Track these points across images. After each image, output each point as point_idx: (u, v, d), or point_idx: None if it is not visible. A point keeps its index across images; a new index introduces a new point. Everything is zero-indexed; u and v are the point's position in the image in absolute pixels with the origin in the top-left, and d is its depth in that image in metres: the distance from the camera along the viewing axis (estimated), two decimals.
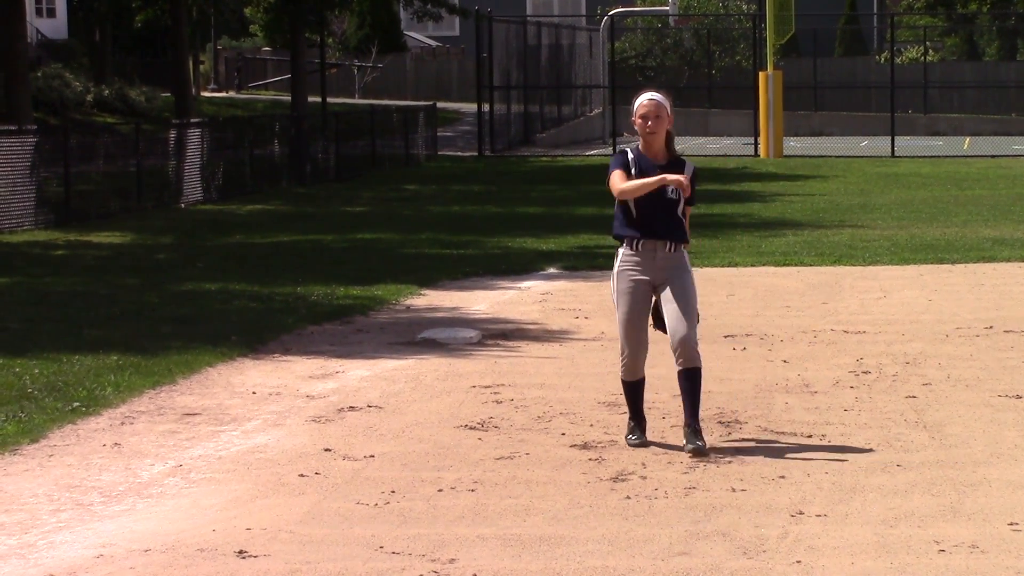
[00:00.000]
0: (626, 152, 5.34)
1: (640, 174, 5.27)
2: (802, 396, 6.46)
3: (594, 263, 11.31)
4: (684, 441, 5.39)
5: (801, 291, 9.87)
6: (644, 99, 5.31)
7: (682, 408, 5.46)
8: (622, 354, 5.48)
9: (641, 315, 5.39)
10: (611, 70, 29.97)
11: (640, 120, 5.29)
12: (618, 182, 5.28)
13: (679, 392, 5.51)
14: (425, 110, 26.38)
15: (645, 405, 5.69)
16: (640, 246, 5.34)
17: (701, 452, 5.32)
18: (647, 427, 5.60)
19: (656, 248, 5.34)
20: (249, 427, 6.00)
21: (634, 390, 5.50)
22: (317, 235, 13.96)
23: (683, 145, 29.87)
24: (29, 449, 5.60)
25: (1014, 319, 8.47)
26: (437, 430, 5.87)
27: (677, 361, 5.35)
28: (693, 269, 5.49)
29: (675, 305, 5.30)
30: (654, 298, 5.39)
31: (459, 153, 27.69)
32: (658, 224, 5.32)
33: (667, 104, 5.31)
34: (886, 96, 28.12)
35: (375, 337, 8.16)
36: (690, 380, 5.34)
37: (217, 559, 4.27)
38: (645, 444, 5.51)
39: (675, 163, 5.35)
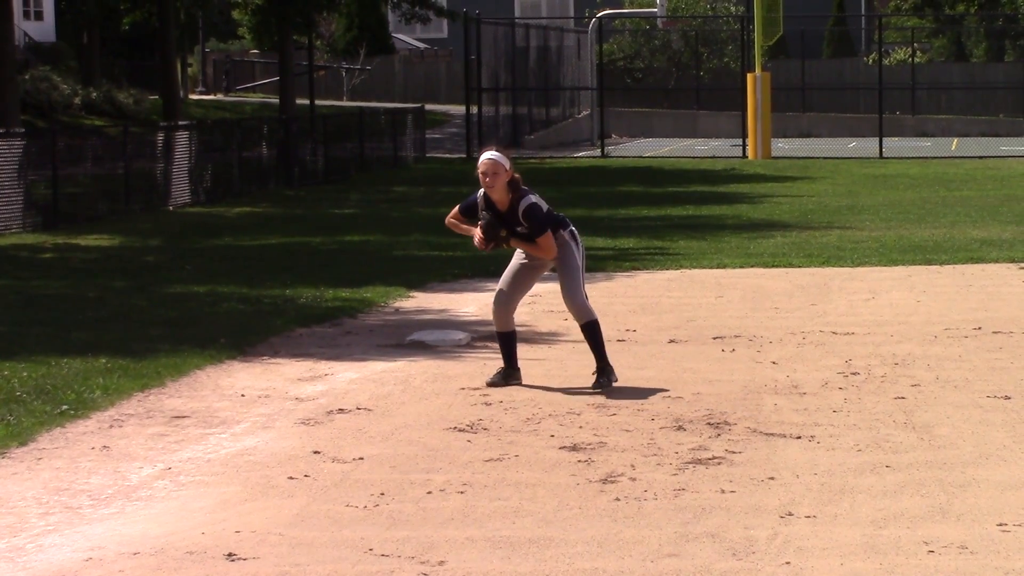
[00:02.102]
0: (475, 195, 6.55)
1: (487, 212, 6.49)
2: (791, 397, 6.46)
3: None
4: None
5: (790, 292, 9.87)
6: (483, 159, 6.46)
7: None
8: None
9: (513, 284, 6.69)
10: (599, 72, 29.96)
11: (481, 175, 6.45)
12: (449, 216, 6.77)
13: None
14: (413, 112, 26.36)
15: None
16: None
17: (598, 385, 6.48)
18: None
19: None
20: (238, 430, 5.98)
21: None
22: (305, 237, 13.92)
23: (671, 147, 30.06)
24: (17, 452, 5.58)
25: (1002, 320, 8.47)
26: (426, 432, 5.86)
27: (577, 320, 6.64)
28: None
29: (560, 276, 6.59)
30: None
31: (447, 155, 27.65)
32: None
33: (505, 162, 6.42)
34: (874, 97, 28.14)
35: (364, 339, 8.14)
36: (587, 332, 6.56)
37: (206, 562, 4.26)
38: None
39: (511, 212, 6.46)
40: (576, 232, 6.59)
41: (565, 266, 6.50)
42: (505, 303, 6.61)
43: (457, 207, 6.70)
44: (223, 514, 4.74)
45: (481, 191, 6.48)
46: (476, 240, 6.51)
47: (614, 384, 6.53)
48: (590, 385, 6.52)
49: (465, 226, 6.64)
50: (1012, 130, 32.81)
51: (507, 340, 6.64)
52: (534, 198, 6.41)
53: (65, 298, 9.80)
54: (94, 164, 16.55)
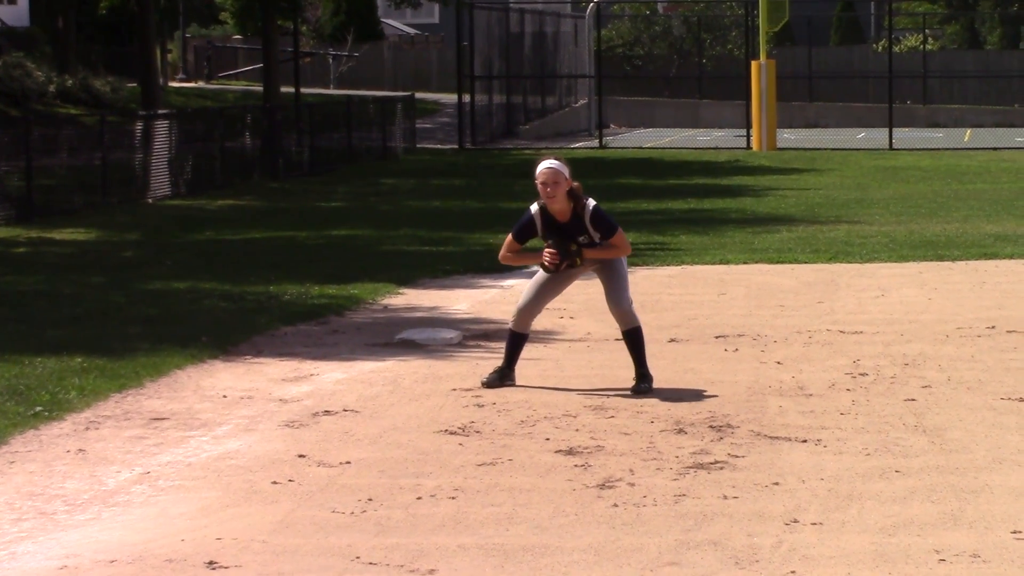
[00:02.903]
0: (530, 212, 6.37)
1: (545, 228, 6.36)
2: (797, 399, 6.36)
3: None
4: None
5: (796, 290, 9.75)
6: (541, 168, 6.32)
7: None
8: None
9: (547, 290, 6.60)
10: (597, 59, 29.72)
11: (540, 186, 6.31)
12: (504, 249, 6.49)
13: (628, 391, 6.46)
14: (403, 101, 26.15)
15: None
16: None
17: (638, 391, 6.35)
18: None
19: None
20: (220, 432, 5.86)
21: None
22: (290, 231, 13.80)
23: (672, 137, 29.93)
24: None
25: (1017, 319, 8.36)
26: (416, 435, 5.75)
27: (620, 326, 6.55)
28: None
29: (605, 283, 6.51)
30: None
31: (439, 146, 27.52)
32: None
33: (564, 170, 6.29)
34: (884, 86, 27.86)
35: (351, 338, 8.02)
36: (630, 339, 6.52)
37: (186, 570, 4.16)
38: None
39: (575, 221, 6.30)
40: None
41: (613, 271, 6.40)
42: (531, 311, 6.51)
43: (509, 236, 6.43)
44: (204, 520, 4.64)
45: (534, 207, 6.31)
46: (547, 261, 6.29)
47: (651, 387, 6.45)
48: (630, 388, 6.41)
49: (524, 257, 6.47)
50: None
51: (517, 342, 6.55)
52: (595, 201, 6.31)
53: (39, 294, 9.65)
54: (70, 155, 16.34)
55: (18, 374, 6.80)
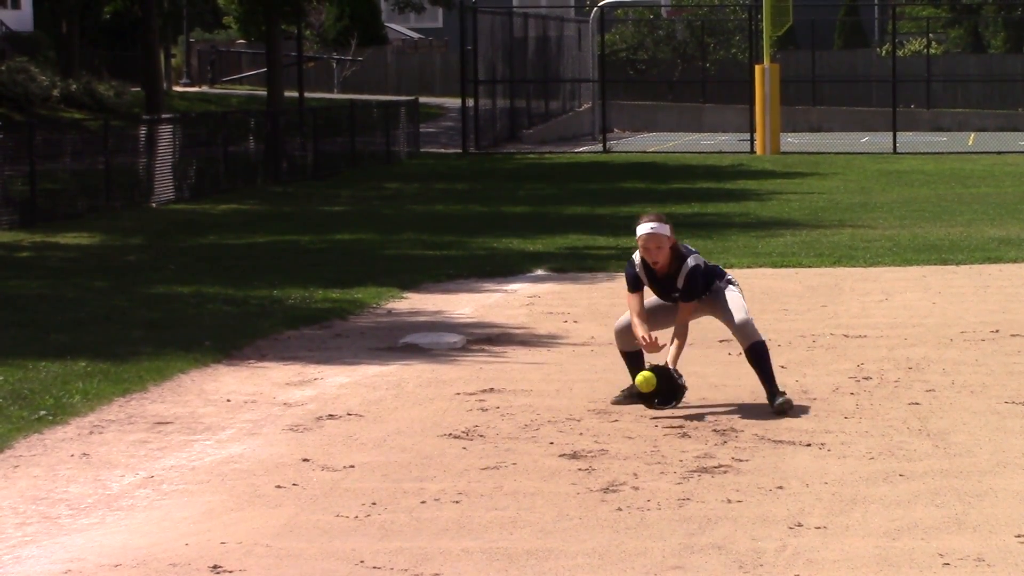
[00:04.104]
0: (633, 263, 6.21)
1: (648, 278, 6.22)
2: (801, 403, 6.34)
3: (583, 265, 11.17)
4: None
5: (799, 293, 9.75)
6: (643, 232, 6.11)
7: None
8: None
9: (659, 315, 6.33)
10: (601, 63, 29.71)
11: (643, 249, 6.17)
12: (631, 313, 6.24)
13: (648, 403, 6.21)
14: (407, 105, 26.14)
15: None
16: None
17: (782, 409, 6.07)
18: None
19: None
20: (223, 436, 5.85)
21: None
22: (294, 236, 13.79)
23: (675, 141, 29.87)
24: None
25: (1021, 323, 8.34)
26: (420, 439, 5.74)
27: (742, 346, 6.32)
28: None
29: (720, 313, 6.29)
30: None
31: (442, 150, 27.49)
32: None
33: (665, 230, 6.11)
34: (887, 90, 27.78)
35: (355, 342, 8.01)
36: (754, 355, 6.22)
37: (191, 574, 4.15)
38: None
39: (672, 276, 6.17)
40: (733, 281, 6.31)
41: (718, 301, 6.22)
42: (629, 329, 6.19)
43: (630, 296, 6.16)
44: (208, 524, 4.63)
45: (636, 257, 6.16)
46: (648, 346, 6.08)
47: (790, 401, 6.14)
48: (772, 407, 6.06)
49: (636, 327, 6.12)
50: None
51: (635, 359, 6.26)
52: (694, 261, 6.12)
53: (43, 299, 9.64)
54: (73, 159, 16.34)
55: (22, 378, 6.80)
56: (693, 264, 6.11)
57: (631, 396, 6.21)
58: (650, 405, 6.07)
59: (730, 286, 6.26)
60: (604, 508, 4.73)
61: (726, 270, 6.44)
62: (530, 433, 5.80)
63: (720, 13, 37.38)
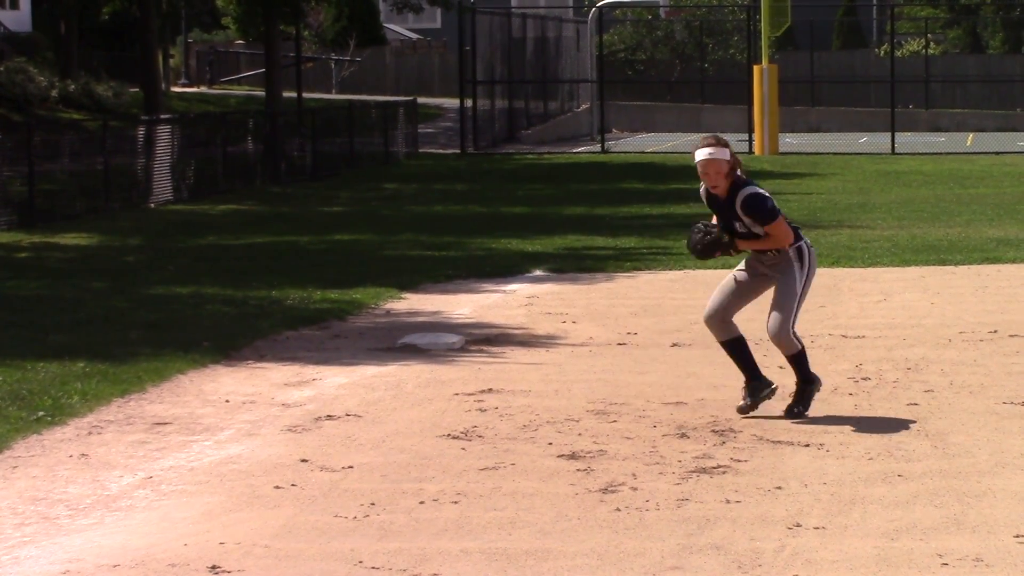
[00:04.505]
0: (699, 191, 6.00)
1: (710, 202, 5.97)
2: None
3: (582, 265, 11.16)
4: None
5: None
6: (699, 159, 5.84)
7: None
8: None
9: (728, 293, 6.04)
10: (599, 64, 29.62)
11: (702, 176, 5.88)
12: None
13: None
14: (405, 106, 26.10)
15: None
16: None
17: (790, 413, 5.96)
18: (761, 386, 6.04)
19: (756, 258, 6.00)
20: (222, 437, 5.84)
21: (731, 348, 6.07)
22: (293, 236, 13.78)
23: (674, 142, 29.81)
24: None
25: (1019, 323, 8.33)
26: (419, 440, 5.73)
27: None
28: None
29: (774, 299, 5.96)
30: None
31: (441, 151, 27.44)
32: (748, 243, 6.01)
33: (722, 153, 5.78)
34: (886, 91, 27.71)
35: (353, 343, 8.00)
36: (793, 361, 5.97)
37: (189, 575, 4.14)
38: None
39: (729, 200, 5.85)
40: (808, 249, 5.86)
41: (783, 286, 5.81)
42: (721, 317, 5.92)
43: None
44: (206, 525, 4.62)
45: (701, 186, 5.87)
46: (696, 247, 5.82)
47: (804, 415, 5.90)
48: (783, 411, 5.93)
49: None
50: None
51: (736, 348, 5.94)
52: (754, 188, 5.74)
53: (42, 299, 9.63)
54: (72, 160, 16.31)
55: (21, 379, 6.79)
56: (750, 191, 5.72)
57: (756, 393, 5.89)
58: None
59: (799, 261, 5.80)
60: (603, 509, 4.72)
61: (803, 235, 5.91)
62: (529, 434, 5.79)
63: (718, 14, 37.35)
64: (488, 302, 9.55)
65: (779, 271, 5.85)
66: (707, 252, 5.91)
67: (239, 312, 8.97)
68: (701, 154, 5.81)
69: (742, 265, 6.01)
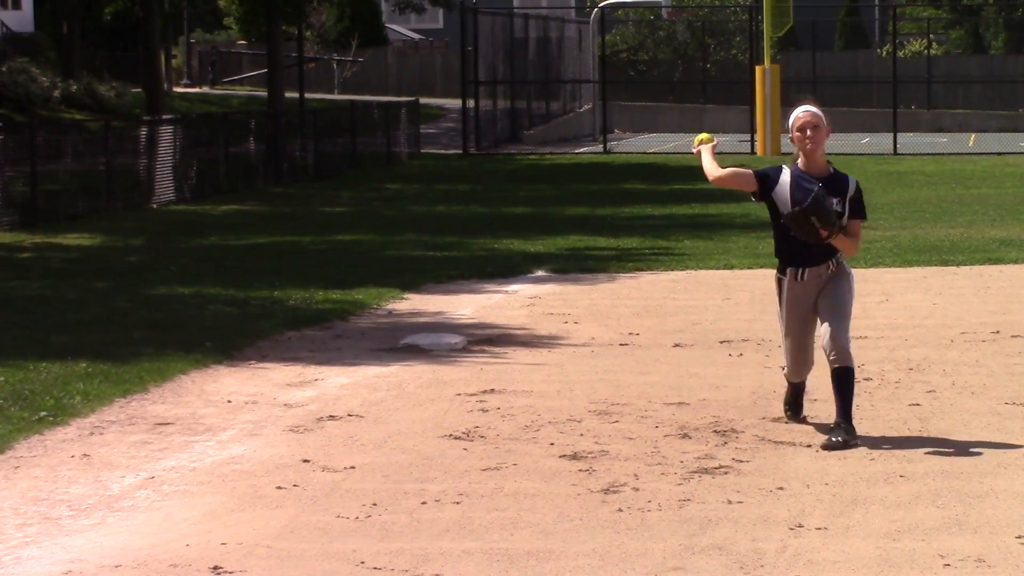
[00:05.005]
0: (781, 168, 5.38)
1: (798, 191, 5.37)
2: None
3: (584, 265, 11.15)
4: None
5: None
6: (800, 111, 5.34)
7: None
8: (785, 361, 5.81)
9: (803, 329, 5.65)
10: (601, 64, 29.61)
11: (799, 134, 5.33)
12: (727, 172, 5.46)
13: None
14: (407, 106, 26.11)
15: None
16: (801, 275, 5.57)
17: (829, 446, 5.46)
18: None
19: (812, 274, 5.58)
20: (224, 437, 5.84)
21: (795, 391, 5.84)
22: (295, 236, 13.78)
23: (676, 142, 29.76)
24: None
25: (1021, 324, 8.33)
26: (420, 440, 5.73)
27: (829, 359, 5.56)
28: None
29: (827, 306, 5.55)
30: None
31: (443, 151, 27.44)
32: (810, 252, 5.51)
33: (823, 115, 5.36)
34: (888, 91, 27.65)
35: (355, 343, 8.00)
36: (839, 378, 5.52)
37: (191, 575, 4.14)
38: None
39: (836, 179, 5.43)
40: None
41: (838, 293, 5.41)
42: (805, 356, 5.55)
43: (727, 171, 5.38)
44: (208, 525, 4.62)
45: (782, 170, 5.24)
46: (790, 221, 5.13)
47: (849, 444, 5.33)
48: (823, 444, 5.41)
49: (737, 179, 5.26)
50: None
51: (799, 391, 5.77)
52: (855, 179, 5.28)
53: (44, 299, 9.64)
54: (74, 160, 16.34)
55: (23, 379, 6.79)
56: (857, 181, 5.28)
57: (792, 407, 5.68)
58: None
59: (852, 278, 5.49)
60: (605, 509, 4.72)
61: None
62: (531, 434, 5.79)
63: (721, 14, 37.35)
64: (490, 302, 9.55)
65: (833, 279, 5.47)
66: (831, 223, 5.17)
67: (241, 312, 8.98)
68: (801, 108, 5.23)
69: (786, 304, 5.46)
